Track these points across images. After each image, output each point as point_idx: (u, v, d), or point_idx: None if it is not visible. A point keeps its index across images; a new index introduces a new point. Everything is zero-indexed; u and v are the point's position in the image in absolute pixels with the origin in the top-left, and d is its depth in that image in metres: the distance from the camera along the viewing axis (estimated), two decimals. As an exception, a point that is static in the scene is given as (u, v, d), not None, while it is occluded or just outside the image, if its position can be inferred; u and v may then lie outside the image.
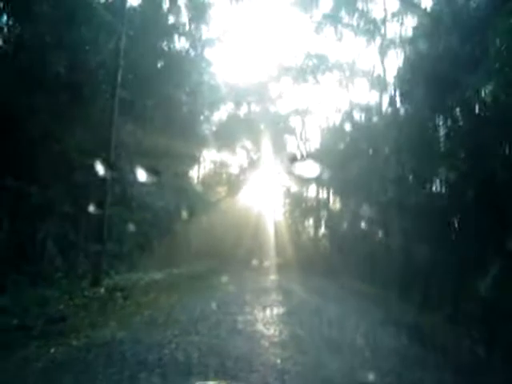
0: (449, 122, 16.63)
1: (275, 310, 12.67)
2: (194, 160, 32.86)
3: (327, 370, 6.75)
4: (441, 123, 17.03)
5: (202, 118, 32.96)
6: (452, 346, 8.95)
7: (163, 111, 21.45)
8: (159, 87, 20.10)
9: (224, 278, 20.97)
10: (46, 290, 11.05)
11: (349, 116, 33.12)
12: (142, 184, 20.08)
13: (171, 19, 23.95)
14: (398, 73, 22.87)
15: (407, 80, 20.20)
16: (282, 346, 8.23)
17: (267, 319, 11.06)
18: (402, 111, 22.60)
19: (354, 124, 32.05)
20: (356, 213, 31.73)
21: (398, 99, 22.89)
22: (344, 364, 7.04)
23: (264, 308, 12.74)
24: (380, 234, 28.27)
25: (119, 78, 14.06)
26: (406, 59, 21.86)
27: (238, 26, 53.56)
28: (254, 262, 32.75)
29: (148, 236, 20.43)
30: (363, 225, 32.01)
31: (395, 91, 22.92)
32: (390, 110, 29.86)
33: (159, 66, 20.87)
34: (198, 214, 29.90)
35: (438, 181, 17.40)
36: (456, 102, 15.03)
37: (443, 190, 17.07)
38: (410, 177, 20.71)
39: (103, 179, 13.89)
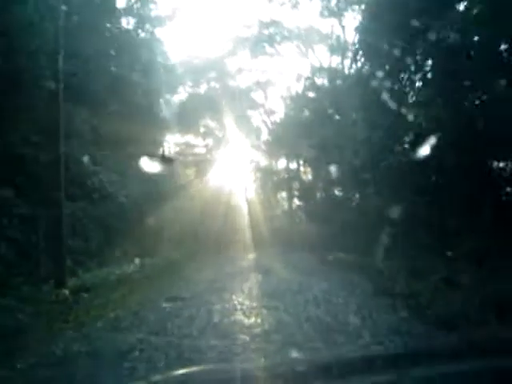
0: (421, 69, 15.95)
1: (255, 293, 11.92)
2: (157, 144, 31.67)
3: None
4: (412, 71, 16.31)
5: (160, 100, 31.78)
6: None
7: (117, 95, 20.27)
8: (108, 69, 18.82)
9: (199, 263, 20.14)
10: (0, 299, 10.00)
11: (311, 82, 32.26)
12: (103, 174, 19.06)
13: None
14: (359, 27, 22.06)
15: (369, 31, 19.36)
16: (265, 339, 7.37)
17: (247, 306, 10.26)
18: (365, 68, 21.87)
19: (318, 89, 31.21)
20: (328, 180, 31.18)
21: (360, 57, 22.18)
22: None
23: (243, 292, 11.98)
24: (355, 199, 27.76)
25: (61, 61, 12.81)
26: (367, 11, 20.98)
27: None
28: (230, 242, 31.87)
29: (116, 228, 19.34)
30: (337, 192, 31.57)
31: (357, 49, 22.06)
32: (353, 70, 29.24)
33: (106, 47, 19.48)
34: (167, 200, 28.92)
35: (411, 134, 16.62)
36: (427, 45, 14.24)
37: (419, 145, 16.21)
38: (381, 135, 19.96)
39: (55, 172, 12.74)
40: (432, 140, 13.17)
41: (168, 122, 34.17)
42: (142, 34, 26.68)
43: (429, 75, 16.27)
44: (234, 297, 11.31)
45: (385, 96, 17.98)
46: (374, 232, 20.02)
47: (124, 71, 21.33)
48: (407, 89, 18.08)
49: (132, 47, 22.42)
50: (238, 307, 9.94)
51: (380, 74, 17.18)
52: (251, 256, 25.71)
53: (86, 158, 17.43)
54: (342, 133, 26.59)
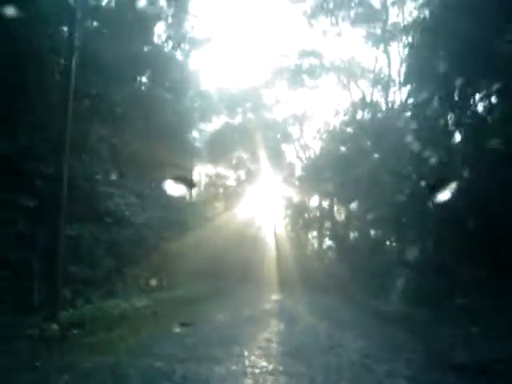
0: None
1: (274, 349, 9.73)
2: (186, 172, 30.12)
3: None
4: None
5: (191, 125, 30.56)
6: None
7: (140, 110, 18.87)
8: (129, 78, 17.39)
9: (217, 302, 18.25)
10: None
11: (351, 116, 30.58)
12: (121, 196, 17.51)
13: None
14: (405, 59, 20.48)
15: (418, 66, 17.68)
16: None
17: (261, 369, 7.82)
18: (411, 101, 20.16)
19: (357, 123, 29.47)
20: (364, 220, 29.28)
21: (406, 89, 20.51)
22: None
23: (259, 347, 9.70)
24: (394, 242, 25.71)
25: (73, 64, 11.41)
26: (415, 43, 19.29)
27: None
28: (254, 280, 29.77)
29: (129, 256, 17.70)
30: (373, 233, 29.55)
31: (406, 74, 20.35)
32: (396, 103, 27.59)
33: (135, 60, 18.14)
34: (193, 230, 27.38)
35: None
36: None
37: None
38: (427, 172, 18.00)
39: (57, 187, 11.20)
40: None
41: (199, 149, 32.98)
42: (178, 55, 25.62)
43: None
44: (246, 353, 9.02)
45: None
46: (417, 281, 18.02)
47: (149, 84, 20.04)
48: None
49: (164, 64, 21.12)
50: (249, 371, 7.63)
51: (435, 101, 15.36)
52: (276, 297, 23.51)
53: (99, 177, 15.88)
54: (380, 170, 24.83)
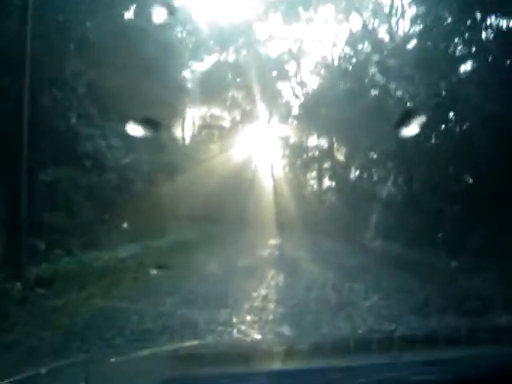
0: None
1: (270, 310, 8.09)
2: (177, 113, 28.34)
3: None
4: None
5: (181, 62, 28.62)
6: None
7: (122, 41, 17.06)
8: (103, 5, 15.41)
9: (211, 250, 16.92)
10: None
11: (352, 45, 28.54)
12: (102, 137, 15.92)
13: None
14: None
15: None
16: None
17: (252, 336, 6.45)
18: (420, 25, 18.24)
19: (358, 55, 27.52)
20: (366, 159, 27.79)
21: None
22: None
23: (251, 308, 8.15)
24: (399, 179, 24.28)
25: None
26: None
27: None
28: (252, 224, 28.51)
29: (115, 203, 16.28)
30: (374, 173, 28.10)
31: None
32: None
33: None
34: (185, 173, 25.97)
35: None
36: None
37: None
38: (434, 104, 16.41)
39: (16, 122, 9.63)
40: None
41: (190, 89, 31.19)
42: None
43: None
44: (234, 319, 7.40)
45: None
46: (423, 218, 16.75)
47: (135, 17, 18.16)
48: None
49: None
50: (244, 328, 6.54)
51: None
52: (274, 242, 22.14)
53: (74, 116, 14.27)
54: (384, 105, 23.19)
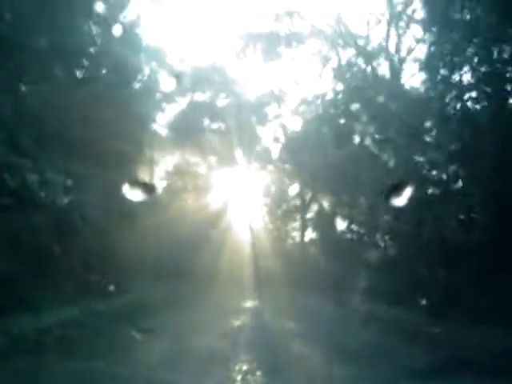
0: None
1: None
2: (143, 162, 24.94)
3: None
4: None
5: (151, 104, 26.01)
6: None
7: (71, 64, 14.27)
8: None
9: (167, 318, 13.33)
10: None
11: (337, 81, 26.13)
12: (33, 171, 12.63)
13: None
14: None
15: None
16: None
17: None
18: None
19: (348, 83, 25.01)
20: (352, 208, 25.03)
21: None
22: None
23: None
24: (387, 235, 21.51)
25: None
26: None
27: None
28: (226, 280, 24.79)
29: (47, 250, 12.80)
30: (363, 226, 25.18)
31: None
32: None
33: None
34: (150, 223, 22.77)
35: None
36: None
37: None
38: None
39: None
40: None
41: (159, 134, 28.76)
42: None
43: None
44: None
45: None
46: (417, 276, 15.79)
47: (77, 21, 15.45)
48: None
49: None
50: None
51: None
52: (250, 304, 18.33)
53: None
54: (372, 149, 20.75)
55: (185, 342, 10.19)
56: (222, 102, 35.13)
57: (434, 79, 16.75)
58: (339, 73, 27.02)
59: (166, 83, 30.54)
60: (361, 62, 26.41)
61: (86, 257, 14.75)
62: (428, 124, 18.12)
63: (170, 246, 25.82)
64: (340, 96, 26.38)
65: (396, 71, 23.54)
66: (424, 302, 15.20)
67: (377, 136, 20.94)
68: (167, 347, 9.54)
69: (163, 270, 23.46)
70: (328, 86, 28.95)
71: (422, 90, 19.08)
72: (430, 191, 17.18)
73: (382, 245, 22.94)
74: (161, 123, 32.93)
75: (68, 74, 17.03)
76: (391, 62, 23.77)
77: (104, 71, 20.37)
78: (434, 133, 17.73)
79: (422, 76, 19.34)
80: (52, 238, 13.03)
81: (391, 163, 19.08)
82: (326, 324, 13.39)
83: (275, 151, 34.99)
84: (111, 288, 16.31)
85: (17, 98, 12.76)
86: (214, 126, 35.74)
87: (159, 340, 10.04)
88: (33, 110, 13.66)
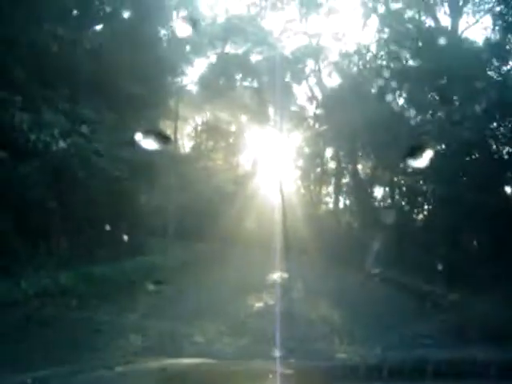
0: None
1: None
2: (165, 114, 22.79)
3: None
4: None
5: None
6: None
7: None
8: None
9: (181, 290, 11.16)
10: None
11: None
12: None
13: None
14: None
15: None
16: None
17: None
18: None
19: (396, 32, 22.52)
20: (395, 173, 22.85)
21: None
22: None
23: None
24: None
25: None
26: None
27: None
28: (251, 249, 22.72)
29: (43, 203, 10.95)
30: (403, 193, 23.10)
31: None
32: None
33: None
34: (174, 180, 21.21)
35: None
36: None
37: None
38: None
39: None
40: None
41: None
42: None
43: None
44: None
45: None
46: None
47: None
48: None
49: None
50: None
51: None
52: (278, 278, 15.56)
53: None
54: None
55: (206, 320, 7.91)
56: (255, 56, 33.11)
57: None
58: (386, 20, 24.40)
59: (196, 33, 28.43)
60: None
61: (88, 212, 12.84)
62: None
63: (194, 206, 24.29)
64: (385, 48, 23.78)
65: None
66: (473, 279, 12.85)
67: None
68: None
69: (185, 231, 21.90)
70: (371, 39, 26.49)
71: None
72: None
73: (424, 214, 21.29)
74: (190, 78, 31.37)
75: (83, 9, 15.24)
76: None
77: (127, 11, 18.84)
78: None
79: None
80: (46, 190, 11.08)
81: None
82: (366, 301, 11.20)
83: (310, 110, 33.23)
84: (120, 248, 14.45)
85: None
86: (246, 82, 33.83)
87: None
88: (32, 42, 11.70)
